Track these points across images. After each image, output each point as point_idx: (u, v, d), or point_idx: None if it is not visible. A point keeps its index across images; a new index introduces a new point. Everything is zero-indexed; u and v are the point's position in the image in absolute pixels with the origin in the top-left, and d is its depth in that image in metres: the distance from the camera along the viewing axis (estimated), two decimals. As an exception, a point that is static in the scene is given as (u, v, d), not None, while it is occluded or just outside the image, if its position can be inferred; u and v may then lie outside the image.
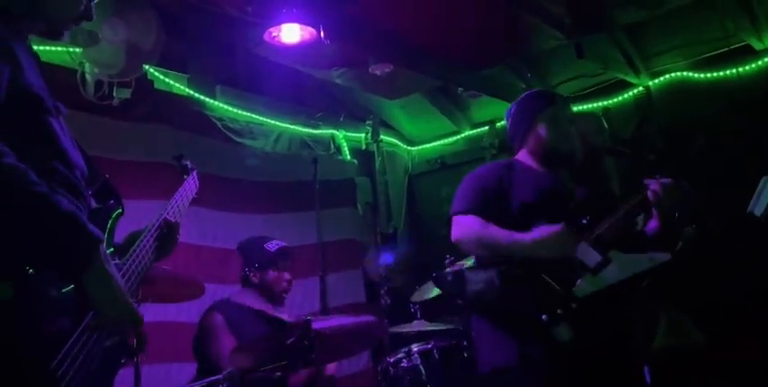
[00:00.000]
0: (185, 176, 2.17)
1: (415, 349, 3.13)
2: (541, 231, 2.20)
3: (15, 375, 1.15)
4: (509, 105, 2.69)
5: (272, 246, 3.44)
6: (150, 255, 1.64)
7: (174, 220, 1.78)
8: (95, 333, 1.30)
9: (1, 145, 1.22)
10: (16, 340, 1.16)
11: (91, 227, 1.31)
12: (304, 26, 3.78)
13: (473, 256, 2.55)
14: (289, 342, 2.50)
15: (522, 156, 2.57)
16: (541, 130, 2.49)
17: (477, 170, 2.52)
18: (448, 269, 3.24)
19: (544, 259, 2.17)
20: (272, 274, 3.39)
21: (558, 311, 2.09)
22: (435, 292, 3.74)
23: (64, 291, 1.26)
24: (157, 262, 1.71)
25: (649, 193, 2.23)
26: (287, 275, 3.45)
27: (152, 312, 3.55)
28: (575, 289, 2.13)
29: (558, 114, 2.52)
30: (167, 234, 1.75)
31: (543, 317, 2.09)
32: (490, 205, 2.34)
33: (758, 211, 3.25)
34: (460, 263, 3.65)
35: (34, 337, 1.18)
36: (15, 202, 1.21)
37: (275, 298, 3.45)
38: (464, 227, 2.32)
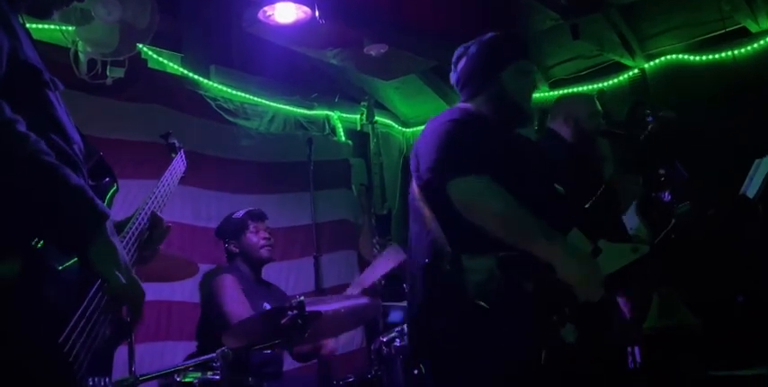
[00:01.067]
0: (173, 155, 2.16)
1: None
2: (574, 250, 1.95)
3: (24, 352, 1.15)
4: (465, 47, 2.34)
5: (238, 213, 3.50)
6: (137, 242, 1.59)
7: (159, 216, 1.71)
8: (100, 307, 1.31)
9: (12, 112, 1.21)
10: (23, 317, 1.16)
11: (98, 201, 1.31)
12: (299, 5, 3.76)
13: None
14: (283, 322, 2.51)
15: (476, 105, 2.25)
16: (510, 79, 2.23)
17: (447, 115, 2.15)
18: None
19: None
20: (248, 236, 3.43)
21: (566, 310, 1.90)
22: None
23: (67, 265, 1.26)
24: (143, 256, 1.65)
25: None
26: (263, 233, 3.48)
27: (146, 291, 3.57)
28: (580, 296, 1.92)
29: (529, 69, 2.30)
30: (152, 228, 1.68)
31: (554, 317, 1.89)
32: (484, 163, 1.97)
33: (751, 193, 3.28)
34: None
35: (41, 313, 1.18)
36: (26, 171, 1.20)
37: (261, 260, 3.47)
38: (487, 192, 1.93)
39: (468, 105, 2.27)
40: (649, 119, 2.60)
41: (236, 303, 3.16)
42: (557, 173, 2.30)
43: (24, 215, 1.20)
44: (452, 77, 2.37)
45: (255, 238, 3.45)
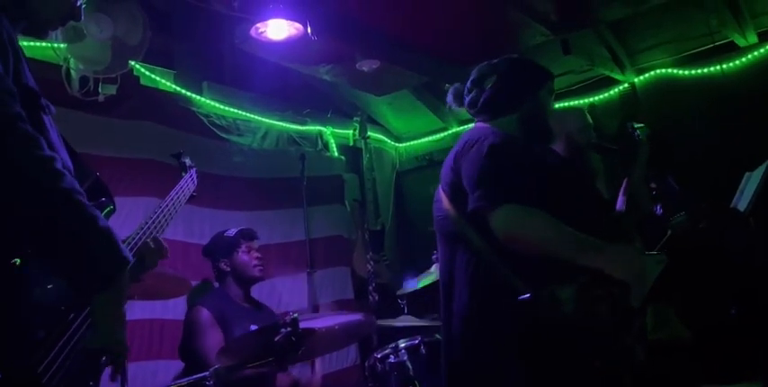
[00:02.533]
0: (183, 174, 2.15)
1: (402, 345, 3.13)
2: (625, 250, 1.94)
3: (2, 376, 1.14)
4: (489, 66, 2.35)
5: (230, 232, 3.49)
6: None
7: (164, 246, 1.71)
8: (81, 339, 1.29)
9: (51, 151, 1.21)
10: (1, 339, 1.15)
11: (123, 246, 1.30)
12: (291, 22, 3.78)
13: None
14: (276, 339, 2.50)
15: (504, 124, 2.24)
16: (545, 99, 2.28)
17: (497, 142, 2.07)
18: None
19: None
20: (240, 255, 3.42)
21: (634, 330, 1.89)
22: (422, 283, 3.75)
23: (47, 288, 1.25)
24: (135, 277, 1.64)
25: None
26: (255, 253, 3.47)
27: (138, 309, 3.55)
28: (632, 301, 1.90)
29: (553, 90, 2.36)
30: (147, 252, 1.68)
31: (628, 340, 1.86)
32: (533, 190, 1.96)
33: (741, 206, 3.29)
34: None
35: (15, 331, 1.17)
36: (59, 208, 1.21)
37: (253, 279, 3.46)
38: (525, 220, 1.90)
39: (490, 126, 2.24)
40: (635, 134, 2.61)
41: (210, 342, 3.12)
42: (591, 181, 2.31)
43: (16, 239, 1.20)
44: (471, 94, 2.33)
45: (248, 257, 3.44)
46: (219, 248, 3.48)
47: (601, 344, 1.85)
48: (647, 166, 2.59)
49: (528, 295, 1.86)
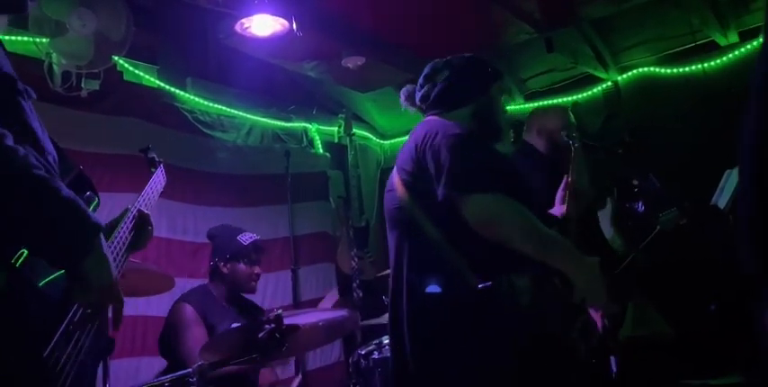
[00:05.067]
0: (153, 169, 2.15)
1: (386, 341, 3.14)
2: (590, 261, 1.95)
3: (8, 366, 1.14)
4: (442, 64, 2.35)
5: (245, 238, 3.42)
6: (126, 245, 1.63)
7: (146, 212, 1.77)
8: (84, 319, 1.30)
9: (44, 139, 1.20)
10: (7, 331, 1.14)
11: (91, 213, 1.30)
12: (276, 18, 3.77)
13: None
14: (260, 336, 2.50)
15: (456, 118, 2.23)
16: (496, 96, 2.30)
17: (454, 128, 2.10)
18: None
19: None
20: (242, 267, 3.37)
21: (578, 325, 1.96)
22: None
23: (48, 280, 1.25)
24: (132, 253, 1.70)
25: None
26: (257, 269, 3.44)
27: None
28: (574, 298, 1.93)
29: (506, 88, 2.44)
30: (142, 225, 1.74)
31: (573, 334, 1.93)
32: (500, 178, 1.99)
33: (721, 204, 3.33)
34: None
35: (25, 326, 1.17)
36: (16, 186, 1.19)
37: (244, 291, 3.44)
38: (505, 207, 1.91)
39: (445, 119, 2.23)
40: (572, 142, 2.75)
41: (193, 339, 3.10)
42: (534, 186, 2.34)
43: (9, 230, 1.19)
44: (422, 89, 2.35)
45: (248, 271, 3.40)
46: (226, 250, 3.40)
47: (552, 333, 1.89)
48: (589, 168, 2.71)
49: (489, 283, 1.88)
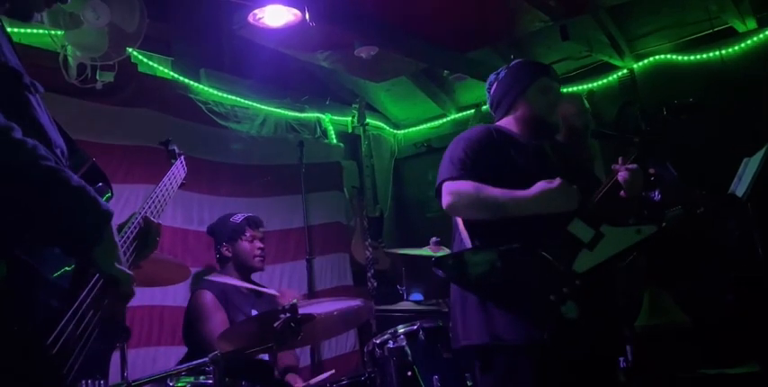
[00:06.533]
0: (173, 161, 2.16)
1: (401, 331, 3.15)
2: (541, 187, 2.21)
3: (12, 354, 1.15)
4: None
5: (237, 217, 3.49)
6: (130, 255, 1.60)
7: (156, 221, 1.72)
8: (92, 306, 1.31)
9: (6, 121, 1.20)
10: (10, 320, 1.16)
11: (101, 200, 1.32)
12: (289, 8, 3.76)
13: (456, 243, 2.44)
14: (276, 325, 2.51)
15: (506, 123, 2.55)
16: (534, 98, 2.50)
17: (464, 134, 2.47)
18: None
19: (546, 219, 2.18)
20: (243, 243, 3.43)
21: (564, 290, 2.13)
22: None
23: (57, 269, 1.26)
24: (138, 261, 1.66)
25: (620, 178, 2.32)
26: (258, 243, 3.47)
27: (138, 296, 3.51)
28: (575, 266, 2.16)
29: (550, 86, 2.54)
30: (147, 233, 1.68)
31: (552, 297, 2.11)
32: (481, 170, 2.30)
33: (740, 192, 3.30)
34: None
35: (28, 315, 1.18)
36: (25, 177, 1.20)
37: (253, 269, 3.47)
38: (457, 191, 2.27)
39: (497, 124, 2.56)
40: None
41: (215, 324, 3.14)
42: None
43: (8, 220, 1.20)
44: (488, 102, 2.68)
45: (250, 246, 3.44)
46: (224, 233, 3.47)
47: (513, 299, 2.18)
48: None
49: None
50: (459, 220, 2.37)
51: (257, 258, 3.46)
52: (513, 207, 2.20)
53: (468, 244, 2.31)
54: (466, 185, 2.26)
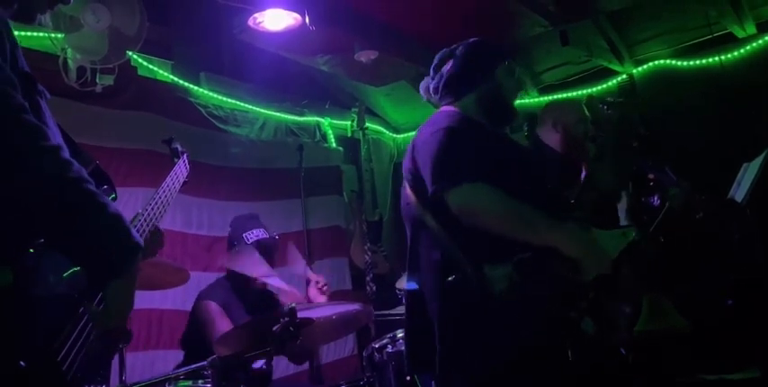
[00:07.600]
0: (175, 159, 2.16)
1: (400, 335, 3.14)
2: (574, 228, 1.94)
3: (14, 361, 1.15)
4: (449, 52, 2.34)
5: (250, 236, 3.41)
6: None
7: (160, 230, 1.75)
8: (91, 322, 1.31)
9: (58, 140, 1.22)
10: (15, 326, 1.15)
11: (134, 231, 1.32)
12: (289, 12, 3.77)
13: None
14: (274, 329, 2.51)
15: (467, 106, 2.24)
16: (503, 78, 2.26)
17: (451, 125, 2.09)
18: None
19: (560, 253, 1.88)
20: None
21: (582, 304, 1.96)
22: None
23: (63, 276, 1.26)
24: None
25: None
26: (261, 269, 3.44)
27: (136, 299, 3.54)
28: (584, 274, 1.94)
29: (515, 69, 2.32)
30: (150, 242, 1.72)
31: (572, 314, 1.94)
32: (484, 167, 1.98)
33: (739, 197, 3.30)
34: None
35: (33, 322, 1.18)
36: (63, 196, 1.21)
37: (251, 286, 3.44)
38: (482, 195, 1.92)
39: (454, 108, 2.25)
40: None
41: (223, 329, 3.12)
42: (547, 172, 2.32)
43: (25, 231, 1.20)
44: (433, 81, 2.35)
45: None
46: (232, 244, 3.43)
47: (533, 317, 1.89)
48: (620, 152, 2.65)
49: (454, 277, 1.92)
50: (433, 222, 2.07)
51: (258, 282, 3.41)
52: (548, 234, 1.89)
53: (438, 252, 2.05)
54: (491, 191, 1.93)
